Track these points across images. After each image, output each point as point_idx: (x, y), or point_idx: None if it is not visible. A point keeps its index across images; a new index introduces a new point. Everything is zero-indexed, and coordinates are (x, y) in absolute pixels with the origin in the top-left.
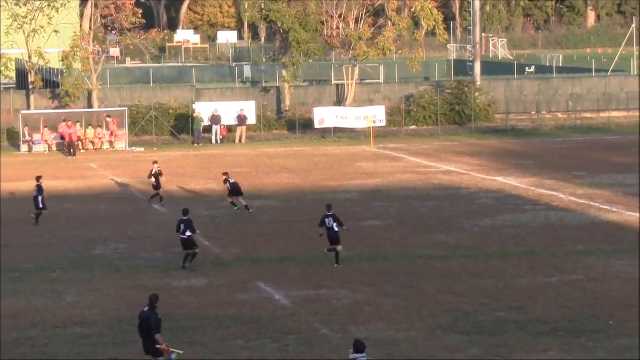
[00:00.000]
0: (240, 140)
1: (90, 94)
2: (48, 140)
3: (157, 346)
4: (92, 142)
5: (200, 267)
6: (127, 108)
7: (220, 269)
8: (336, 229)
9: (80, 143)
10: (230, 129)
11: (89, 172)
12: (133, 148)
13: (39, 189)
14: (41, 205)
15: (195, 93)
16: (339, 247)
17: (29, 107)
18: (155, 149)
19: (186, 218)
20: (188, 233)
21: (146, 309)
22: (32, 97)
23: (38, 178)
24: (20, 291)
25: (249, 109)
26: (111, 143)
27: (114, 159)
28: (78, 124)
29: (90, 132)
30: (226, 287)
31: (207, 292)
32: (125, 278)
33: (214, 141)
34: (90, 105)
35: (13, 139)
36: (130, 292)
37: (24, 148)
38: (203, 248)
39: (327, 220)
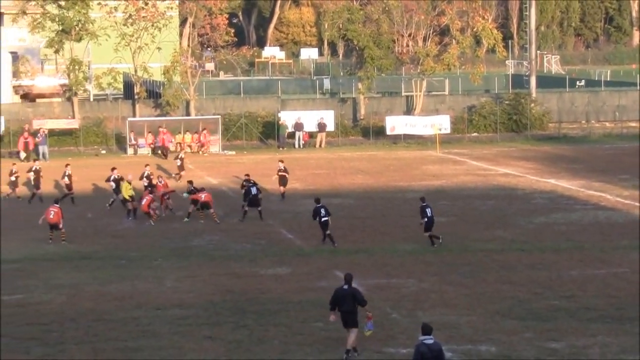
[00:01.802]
0: (320, 145)
1: (188, 103)
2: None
3: (368, 314)
4: (190, 146)
5: (285, 257)
6: (220, 116)
7: (302, 258)
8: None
9: (177, 146)
10: (311, 135)
11: (187, 172)
12: (225, 151)
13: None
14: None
15: (281, 103)
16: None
17: (134, 115)
18: (245, 152)
19: (321, 204)
20: (325, 218)
21: (345, 286)
22: (137, 106)
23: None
24: (126, 277)
25: (328, 117)
26: (201, 148)
27: (208, 161)
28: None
29: (188, 137)
30: (307, 275)
31: (290, 279)
32: (219, 266)
33: (297, 146)
34: (188, 114)
35: (120, 142)
36: (222, 279)
37: (130, 151)
38: (287, 240)
39: (427, 210)
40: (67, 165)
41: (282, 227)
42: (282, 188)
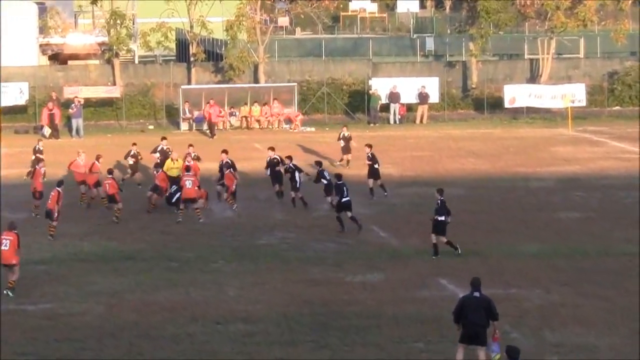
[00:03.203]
0: (421, 121)
1: (256, 67)
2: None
3: (496, 333)
4: (258, 121)
5: (376, 260)
6: (296, 84)
7: (398, 262)
8: None
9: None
10: (410, 108)
11: (253, 152)
12: (303, 128)
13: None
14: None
15: (372, 67)
16: None
17: (189, 82)
18: (327, 128)
19: (342, 182)
20: (347, 198)
21: (476, 294)
22: (193, 71)
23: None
24: (178, 283)
25: (431, 86)
26: (279, 123)
27: (281, 139)
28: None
29: (256, 109)
30: (404, 283)
31: (383, 287)
32: (294, 270)
33: (391, 121)
34: (256, 80)
35: (172, 116)
36: (298, 287)
37: (184, 126)
38: (379, 239)
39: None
40: (133, 144)
41: (373, 222)
42: (370, 181)
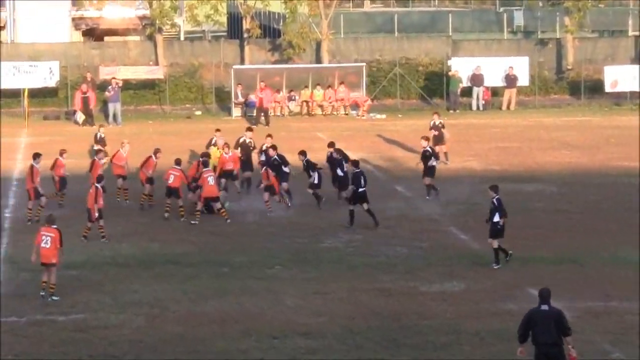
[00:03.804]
0: (508, 107)
1: (318, 45)
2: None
3: (571, 351)
4: (321, 106)
5: (456, 267)
6: (364, 64)
7: (481, 269)
8: None
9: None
10: (495, 92)
11: (315, 143)
12: (372, 115)
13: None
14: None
15: (452, 45)
16: None
17: (242, 61)
18: (400, 115)
19: (360, 170)
20: (363, 188)
21: (544, 307)
22: (246, 49)
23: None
24: (229, 291)
25: (520, 67)
26: (344, 107)
27: (347, 128)
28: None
29: (318, 93)
30: (488, 294)
31: (464, 298)
32: (361, 278)
33: (474, 107)
34: (318, 60)
35: (223, 100)
36: (366, 297)
37: (236, 112)
38: (459, 243)
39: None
40: (217, 130)
41: (452, 223)
42: (426, 179)
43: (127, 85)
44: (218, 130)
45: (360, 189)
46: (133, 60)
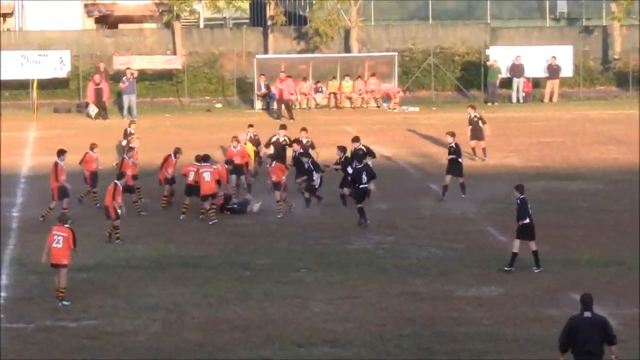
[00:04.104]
0: (550, 99)
1: (347, 33)
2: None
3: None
4: (349, 99)
5: (494, 270)
6: (396, 53)
7: (521, 272)
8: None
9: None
10: (536, 83)
11: (342, 137)
12: (404, 107)
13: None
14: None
15: (490, 33)
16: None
17: (266, 50)
18: (434, 108)
19: (362, 165)
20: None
21: (587, 314)
22: (270, 37)
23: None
24: (251, 295)
25: (564, 56)
26: (377, 100)
27: (377, 121)
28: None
29: (347, 85)
30: (528, 298)
31: (502, 304)
32: (392, 282)
33: (514, 99)
34: (347, 49)
35: (245, 92)
36: (397, 301)
37: (259, 105)
38: (497, 244)
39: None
40: (250, 126)
41: (490, 223)
42: (448, 178)
43: (143, 76)
44: (251, 125)
45: (362, 185)
46: (149, 49)
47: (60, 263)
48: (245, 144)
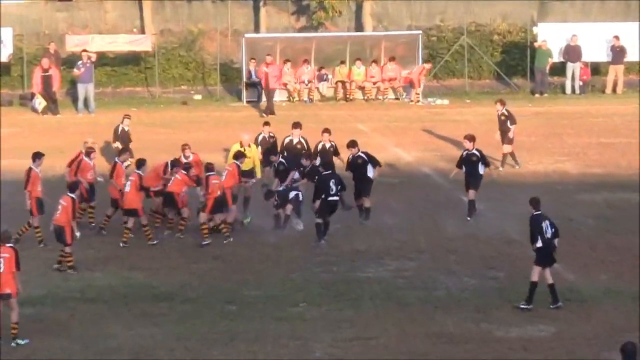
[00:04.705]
0: (613, 89)
1: (359, 7)
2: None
3: None
4: (362, 88)
5: (543, 305)
6: (420, 32)
7: (577, 308)
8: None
9: (337, 86)
10: (596, 70)
11: (353, 136)
12: (430, 99)
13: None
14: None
15: (538, 8)
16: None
17: (257, 28)
18: (468, 100)
19: (330, 172)
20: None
21: None
22: (262, 11)
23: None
24: (238, 336)
25: (629, 36)
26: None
27: (396, 117)
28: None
29: (359, 71)
30: (586, 340)
31: (553, 347)
32: (414, 319)
33: (568, 89)
34: (359, 27)
35: (231, 80)
36: (421, 344)
37: (248, 95)
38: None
39: (544, 224)
40: (266, 124)
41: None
42: (470, 192)
43: (103, 60)
44: (267, 124)
45: (331, 197)
46: (111, 26)
47: (3, 292)
48: (249, 145)
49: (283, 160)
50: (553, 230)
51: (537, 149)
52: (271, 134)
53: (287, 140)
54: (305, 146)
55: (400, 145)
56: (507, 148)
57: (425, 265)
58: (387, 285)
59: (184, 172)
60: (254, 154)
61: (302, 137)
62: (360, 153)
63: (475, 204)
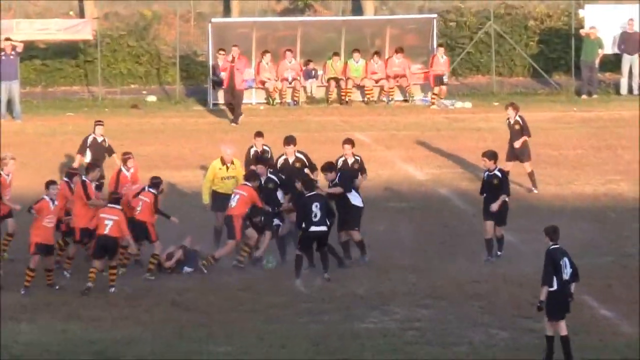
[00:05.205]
0: None
1: None
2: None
3: None
4: (361, 87)
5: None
6: (436, 15)
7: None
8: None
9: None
10: None
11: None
12: (449, 102)
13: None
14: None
15: None
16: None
17: (227, 12)
18: (496, 103)
19: (314, 193)
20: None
21: None
22: None
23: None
24: None
25: None
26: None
27: (406, 123)
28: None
29: (357, 66)
30: None
31: None
32: None
33: (624, 89)
34: (357, 9)
35: (194, 76)
36: None
37: (216, 97)
38: (598, 321)
39: (563, 261)
40: (258, 135)
41: (587, 290)
42: (487, 226)
43: (32, 50)
44: (260, 135)
45: (316, 227)
46: (42, 9)
47: None
48: (232, 162)
49: (273, 177)
50: (572, 270)
51: (584, 165)
52: (265, 148)
53: (281, 160)
54: (307, 163)
55: (410, 161)
56: (527, 166)
57: (441, 314)
58: (394, 340)
59: (152, 191)
60: (238, 173)
61: (297, 152)
62: (355, 157)
63: (504, 237)
